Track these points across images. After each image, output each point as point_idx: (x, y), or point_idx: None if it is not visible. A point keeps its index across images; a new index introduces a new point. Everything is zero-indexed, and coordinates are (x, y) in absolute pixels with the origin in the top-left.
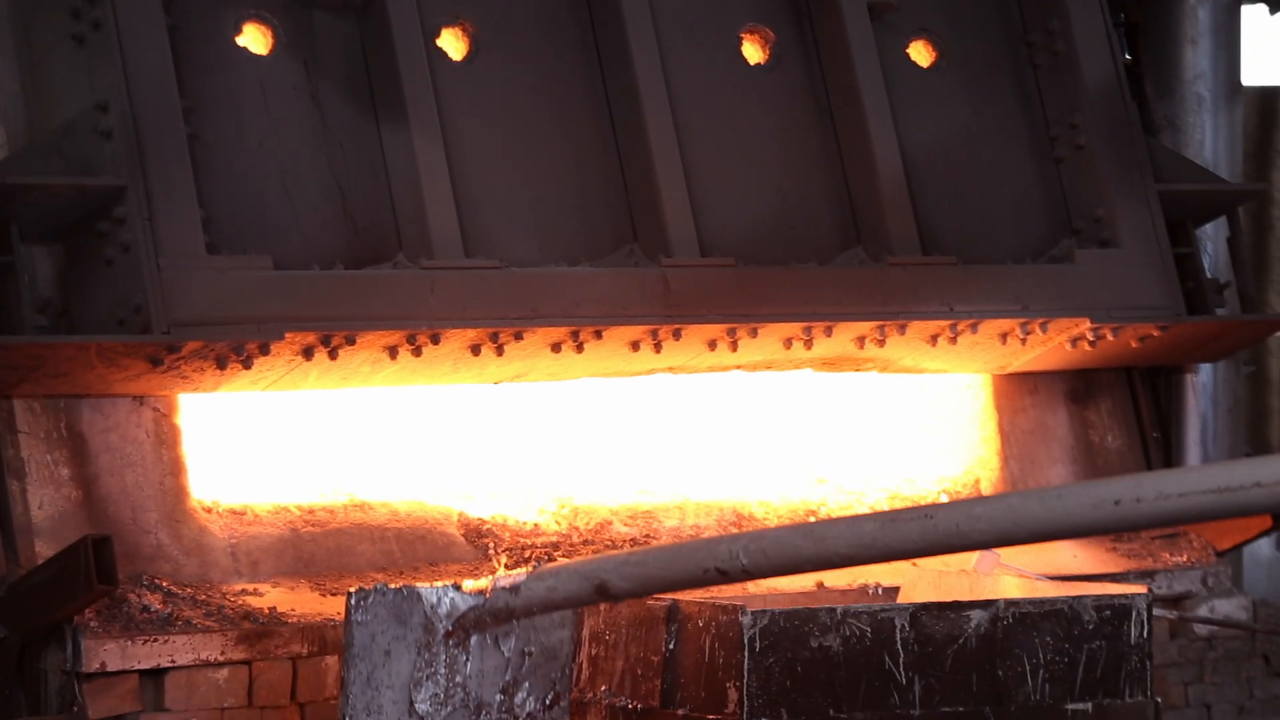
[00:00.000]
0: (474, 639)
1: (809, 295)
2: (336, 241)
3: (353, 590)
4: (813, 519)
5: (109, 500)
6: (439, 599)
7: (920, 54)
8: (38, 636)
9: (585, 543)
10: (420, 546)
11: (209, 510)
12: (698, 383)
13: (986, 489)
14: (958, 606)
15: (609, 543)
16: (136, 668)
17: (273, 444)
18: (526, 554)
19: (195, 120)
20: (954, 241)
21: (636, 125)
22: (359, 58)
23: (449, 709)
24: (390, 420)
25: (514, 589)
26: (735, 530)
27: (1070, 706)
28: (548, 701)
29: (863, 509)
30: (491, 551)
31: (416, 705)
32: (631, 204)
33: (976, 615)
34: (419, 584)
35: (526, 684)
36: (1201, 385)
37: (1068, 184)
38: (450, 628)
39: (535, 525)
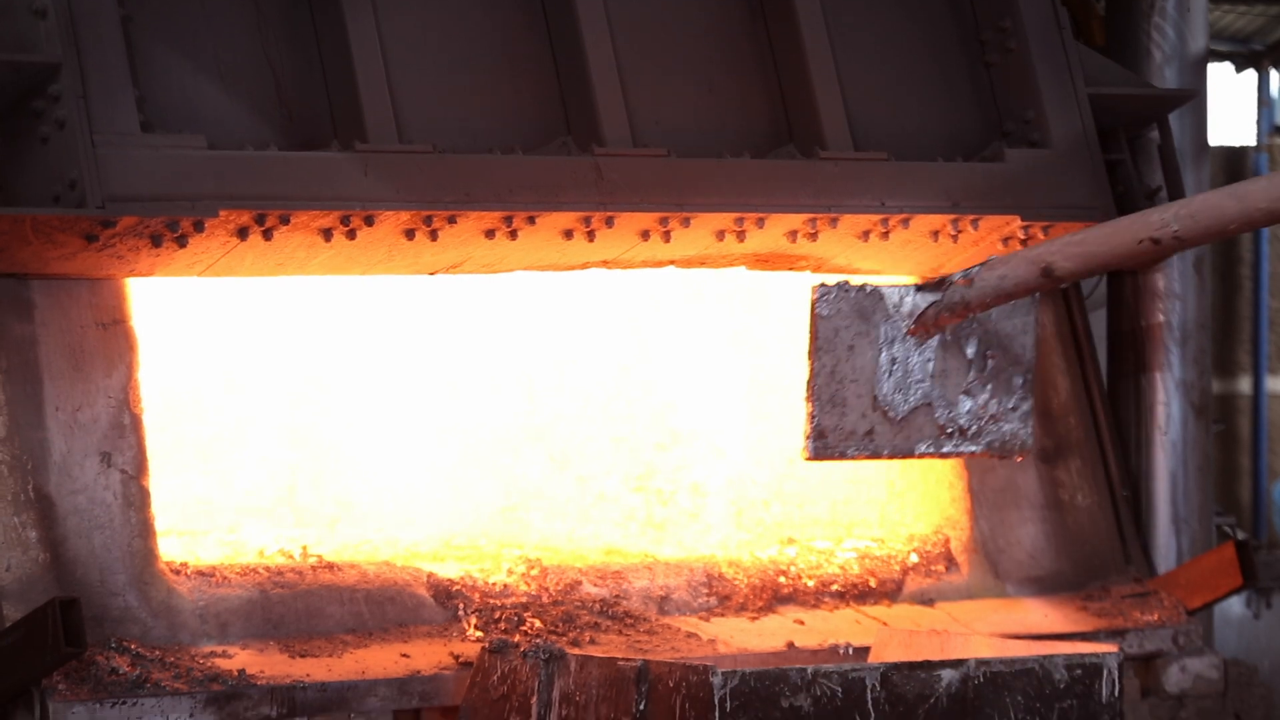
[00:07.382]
0: (936, 340)
1: (741, 186)
2: (270, 127)
3: (816, 285)
4: (782, 579)
5: (77, 562)
6: (900, 298)
7: None
8: (5, 700)
9: (555, 603)
10: (390, 608)
11: (178, 572)
12: (665, 437)
13: (956, 548)
14: (928, 666)
15: (578, 602)
16: None
17: (238, 501)
18: (496, 615)
19: (129, 2)
20: (885, 141)
21: (569, 19)
22: None
23: (911, 402)
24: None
25: (969, 280)
26: (704, 591)
27: None
28: (1011, 405)
29: (832, 568)
30: (461, 613)
31: (879, 398)
32: (565, 97)
33: (947, 675)
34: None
35: (989, 386)
36: (1171, 444)
37: (998, 87)
38: (913, 325)
39: (505, 585)
